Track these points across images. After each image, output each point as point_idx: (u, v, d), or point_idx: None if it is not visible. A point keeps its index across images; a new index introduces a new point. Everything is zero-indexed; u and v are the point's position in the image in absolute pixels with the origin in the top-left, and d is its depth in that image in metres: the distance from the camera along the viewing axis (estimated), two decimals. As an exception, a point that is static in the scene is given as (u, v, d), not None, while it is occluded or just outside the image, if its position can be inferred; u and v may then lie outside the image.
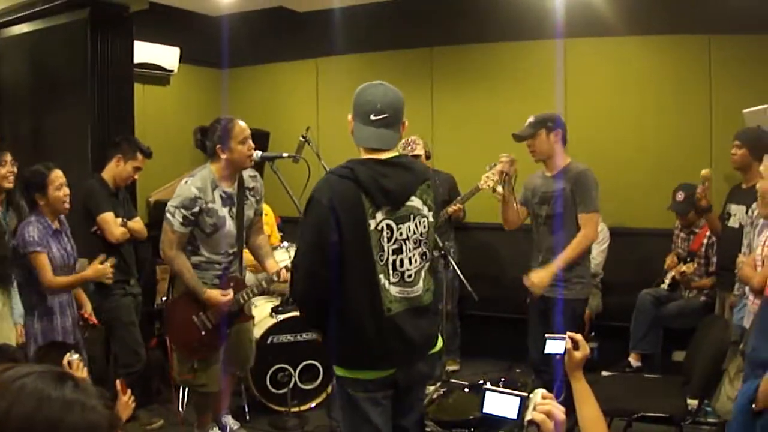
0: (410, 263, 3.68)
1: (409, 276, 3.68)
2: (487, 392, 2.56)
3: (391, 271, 3.63)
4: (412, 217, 3.68)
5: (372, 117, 3.60)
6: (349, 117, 3.73)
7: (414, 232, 3.69)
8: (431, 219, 3.78)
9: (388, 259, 3.61)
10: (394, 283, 3.64)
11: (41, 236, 5.18)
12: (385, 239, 3.59)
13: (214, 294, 5.21)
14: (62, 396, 1.50)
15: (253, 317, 5.80)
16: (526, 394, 2.45)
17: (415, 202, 3.70)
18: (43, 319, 5.21)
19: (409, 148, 7.04)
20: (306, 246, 3.62)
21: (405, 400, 3.89)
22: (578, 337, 3.21)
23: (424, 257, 3.76)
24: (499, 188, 5.79)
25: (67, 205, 5.34)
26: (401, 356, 3.71)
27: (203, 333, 5.26)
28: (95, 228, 5.93)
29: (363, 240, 3.54)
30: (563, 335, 3.25)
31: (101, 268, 5.29)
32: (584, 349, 3.18)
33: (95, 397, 1.55)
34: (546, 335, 3.39)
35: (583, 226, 5.51)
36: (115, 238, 5.92)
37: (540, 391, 2.42)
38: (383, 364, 3.69)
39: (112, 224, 5.91)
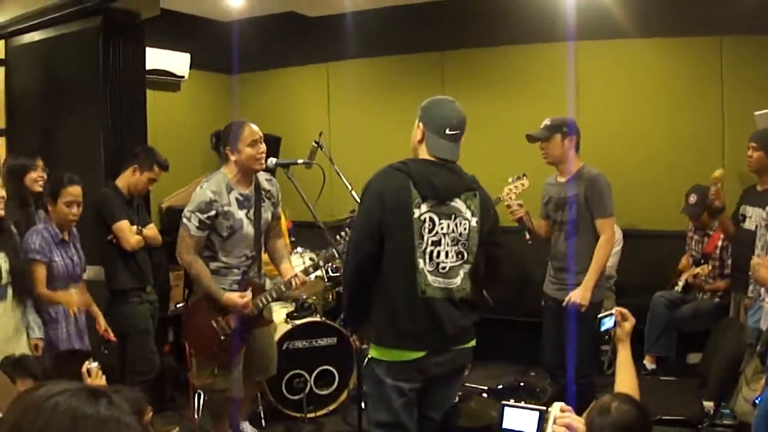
0: (446, 257, 3.98)
1: (443, 268, 3.97)
2: (506, 408, 2.57)
3: (428, 260, 3.93)
4: (453, 216, 3.99)
5: (447, 131, 4.00)
6: (420, 125, 4.07)
7: (453, 231, 3.99)
8: (474, 224, 4.04)
9: (426, 248, 3.93)
10: (430, 271, 3.94)
11: (44, 245, 5.18)
12: (426, 230, 3.93)
13: (233, 297, 5.18)
14: (97, 413, 1.49)
15: (272, 321, 5.78)
16: (544, 408, 2.46)
17: (458, 204, 4.02)
18: (48, 328, 5.19)
19: None
20: (358, 225, 4.06)
21: (436, 392, 4.15)
22: (624, 310, 3.63)
23: (460, 256, 4.03)
24: (527, 235, 5.95)
25: (72, 221, 5.36)
26: (431, 339, 3.97)
27: (222, 338, 5.24)
28: (111, 236, 5.93)
29: (406, 225, 3.90)
30: (611, 312, 3.64)
31: (69, 298, 5.23)
32: (631, 320, 3.60)
33: (129, 414, 1.54)
34: (598, 315, 3.67)
35: (601, 231, 5.54)
36: (131, 246, 5.92)
37: (558, 405, 2.44)
38: (413, 343, 3.96)
39: (127, 232, 5.91)
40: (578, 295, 5.46)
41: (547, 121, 5.70)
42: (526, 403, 2.93)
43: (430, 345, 3.96)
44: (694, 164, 7.19)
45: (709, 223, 6.96)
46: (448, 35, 8.49)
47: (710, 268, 6.93)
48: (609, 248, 5.60)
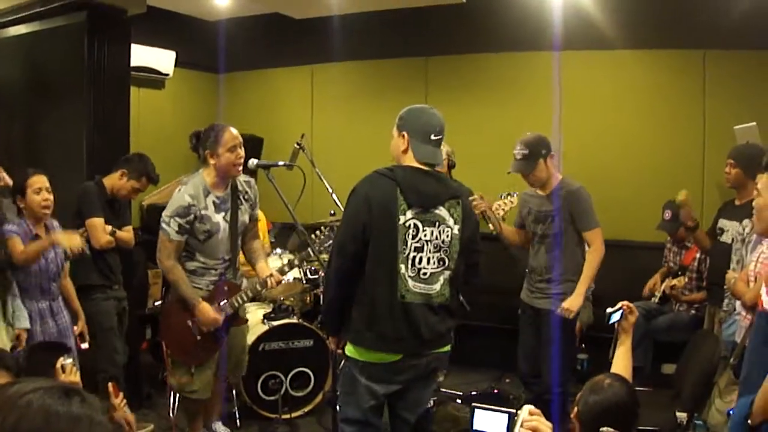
0: (428, 263, 4.04)
1: (425, 274, 4.04)
2: (476, 409, 2.60)
3: (409, 265, 4.00)
4: (437, 224, 4.05)
5: (432, 137, 4.09)
6: (404, 134, 4.12)
7: (436, 238, 4.05)
8: (456, 232, 4.10)
9: (409, 254, 4.00)
10: (411, 277, 4.01)
11: (20, 231, 5.12)
12: (410, 236, 3.99)
13: (207, 309, 5.20)
14: (69, 411, 1.50)
15: (247, 320, 5.78)
16: (514, 410, 2.48)
17: (442, 211, 4.08)
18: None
19: None
20: (342, 228, 4.08)
21: (411, 394, 4.19)
22: (630, 304, 3.76)
23: (441, 263, 4.09)
24: (490, 226, 5.90)
25: (46, 211, 5.24)
26: (408, 344, 4.03)
27: (198, 338, 5.24)
28: (83, 230, 5.89)
29: (391, 231, 3.96)
30: (619, 306, 3.75)
31: (75, 237, 5.19)
32: (635, 313, 3.79)
33: (101, 412, 1.55)
34: (607, 310, 3.79)
35: (591, 242, 5.60)
36: (100, 244, 5.90)
37: (527, 408, 2.47)
38: (390, 346, 4.02)
39: (99, 230, 5.89)
40: (570, 302, 5.49)
41: (523, 150, 5.60)
42: (498, 410, 2.98)
43: (406, 349, 4.02)
44: (674, 176, 7.23)
45: (686, 236, 6.98)
46: (433, 41, 8.52)
47: (687, 280, 6.96)
48: (598, 258, 5.59)
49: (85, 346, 5.64)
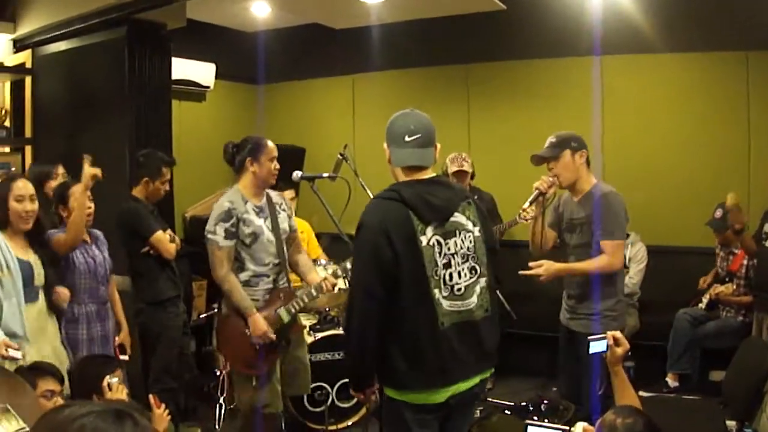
0: (459, 277, 3.75)
1: (459, 290, 3.74)
2: (530, 427, 2.55)
3: (442, 286, 3.69)
4: (457, 232, 3.78)
5: (406, 138, 3.76)
6: (385, 146, 3.88)
7: (461, 247, 3.77)
8: (477, 234, 3.85)
9: (439, 274, 3.68)
10: (445, 297, 3.70)
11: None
12: (437, 255, 3.67)
13: (259, 322, 5.18)
14: None
15: (304, 327, 5.75)
16: (567, 428, 2.44)
17: (458, 218, 3.81)
18: (67, 327, 5.16)
19: (459, 161, 7.07)
20: (362, 267, 3.72)
21: (454, 420, 3.95)
22: (618, 334, 3.57)
23: (474, 272, 3.82)
24: (526, 205, 5.25)
25: (88, 219, 5.27)
26: (453, 373, 3.73)
27: (257, 347, 5.23)
28: (147, 248, 5.90)
29: (416, 257, 3.62)
30: (603, 335, 3.53)
31: (89, 168, 5.20)
32: (624, 345, 3.55)
33: None
34: (588, 338, 3.58)
35: (607, 254, 4.97)
36: (172, 254, 5.94)
37: (581, 425, 2.42)
38: (437, 380, 3.70)
39: (165, 242, 5.90)
40: (545, 266, 5.06)
41: (552, 139, 5.21)
42: (548, 420, 2.94)
43: (452, 378, 3.74)
44: (719, 180, 7.16)
45: (733, 240, 6.91)
46: (474, 48, 8.49)
47: (734, 286, 6.88)
48: (604, 264, 4.97)
49: (125, 357, 5.63)
